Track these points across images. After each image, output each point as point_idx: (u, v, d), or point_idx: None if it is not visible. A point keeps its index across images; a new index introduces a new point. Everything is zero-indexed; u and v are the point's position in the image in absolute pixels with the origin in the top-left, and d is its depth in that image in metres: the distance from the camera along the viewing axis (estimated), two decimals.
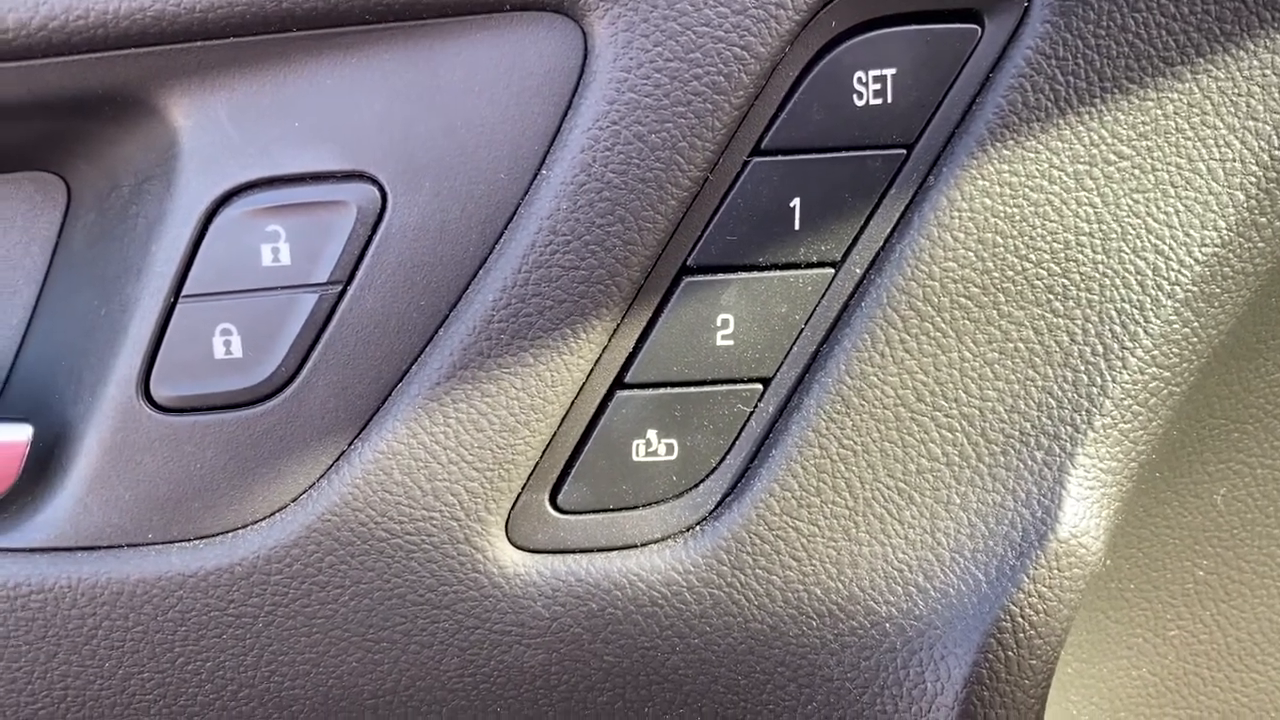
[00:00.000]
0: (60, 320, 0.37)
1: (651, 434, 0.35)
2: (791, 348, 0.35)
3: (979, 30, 0.33)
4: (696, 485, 0.35)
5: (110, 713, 0.36)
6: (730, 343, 0.35)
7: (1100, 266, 0.34)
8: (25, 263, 0.38)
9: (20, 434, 0.34)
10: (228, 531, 0.34)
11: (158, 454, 0.34)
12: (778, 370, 0.35)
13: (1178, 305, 0.35)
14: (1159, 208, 0.34)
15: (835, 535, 0.35)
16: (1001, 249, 0.34)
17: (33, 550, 0.34)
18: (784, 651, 0.35)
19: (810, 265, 0.34)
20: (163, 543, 0.34)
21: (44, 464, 0.35)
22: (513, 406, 0.34)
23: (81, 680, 0.35)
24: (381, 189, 0.33)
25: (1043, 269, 0.34)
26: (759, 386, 0.35)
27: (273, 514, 0.34)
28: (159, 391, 0.34)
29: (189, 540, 0.34)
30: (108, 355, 0.34)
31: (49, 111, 0.34)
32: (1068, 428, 0.35)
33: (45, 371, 0.37)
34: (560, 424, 0.35)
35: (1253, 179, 0.34)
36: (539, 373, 0.34)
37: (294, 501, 0.34)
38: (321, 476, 0.34)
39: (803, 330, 0.35)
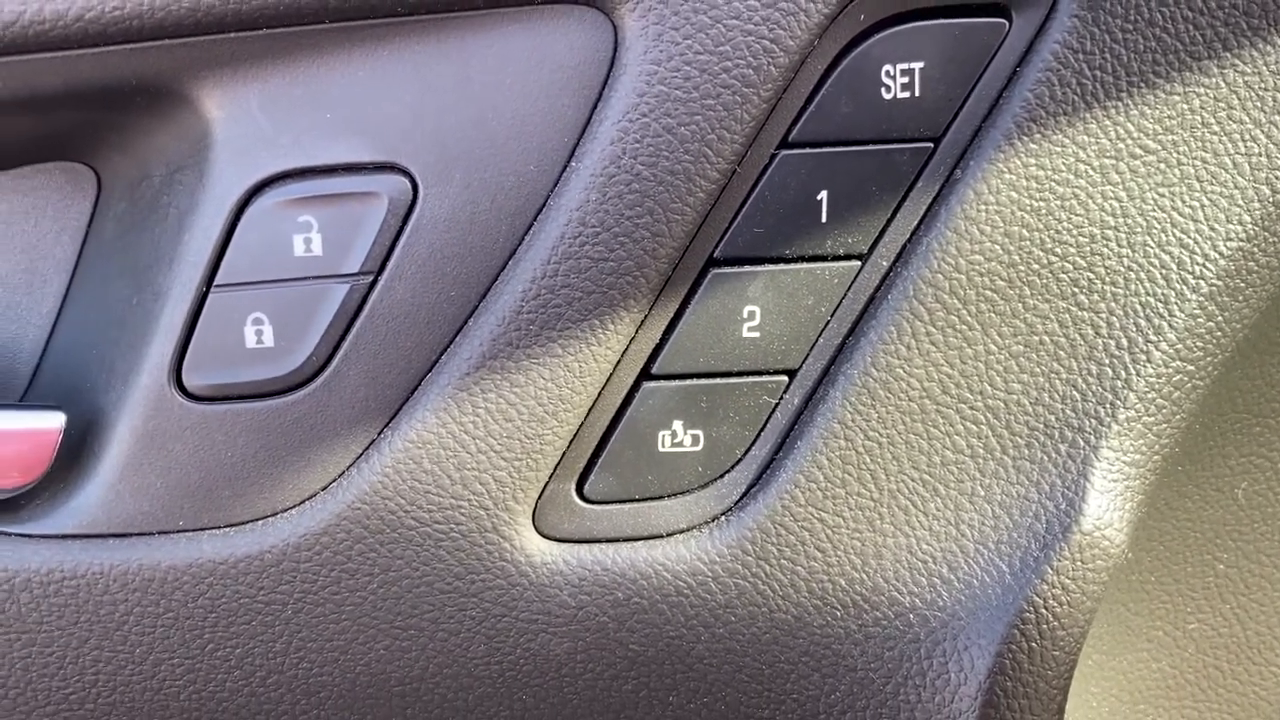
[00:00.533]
0: (91, 309, 0.37)
1: (677, 425, 0.35)
2: (817, 340, 0.35)
3: (1006, 24, 0.33)
4: (722, 476, 0.36)
5: (140, 698, 0.36)
6: (756, 334, 0.35)
7: (1125, 260, 0.35)
8: (56, 252, 0.39)
9: (53, 421, 0.34)
10: (258, 519, 0.35)
11: (189, 442, 0.34)
12: (803, 362, 0.35)
13: (1202, 299, 0.35)
14: (1184, 202, 0.34)
15: (860, 526, 0.35)
16: (1027, 242, 0.34)
17: (65, 537, 0.35)
18: (808, 641, 0.36)
19: (837, 258, 0.35)
20: (193, 530, 0.35)
21: (76, 451, 0.35)
22: (541, 397, 0.34)
23: (112, 665, 0.35)
24: (413, 180, 0.33)
25: (1068, 263, 0.35)
26: (784, 378, 0.35)
27: (303, 502, 0.35)
28: (191, 380, 0.34)
29: (219, 528, 0.35)
30: (140, 344, 0.34)
31: (82, 102, 0.34)
32: (1092, 420, 0.35)
33: (77, 360, 0.37)
34: (587, 414, 0.35)
35: (1278, 174, 0.34)
36: (567, 363, 0.34)
37: (324, 490, 0.35)
38: (351, 465, 0.34)
39: (829, 322, 0.35)
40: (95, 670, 0.36)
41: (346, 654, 0.36)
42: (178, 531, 0.35)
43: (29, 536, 0.35)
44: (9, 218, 0.39)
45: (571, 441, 0.35)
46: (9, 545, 0.35)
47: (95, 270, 0.38)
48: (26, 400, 0.37)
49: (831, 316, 0.35)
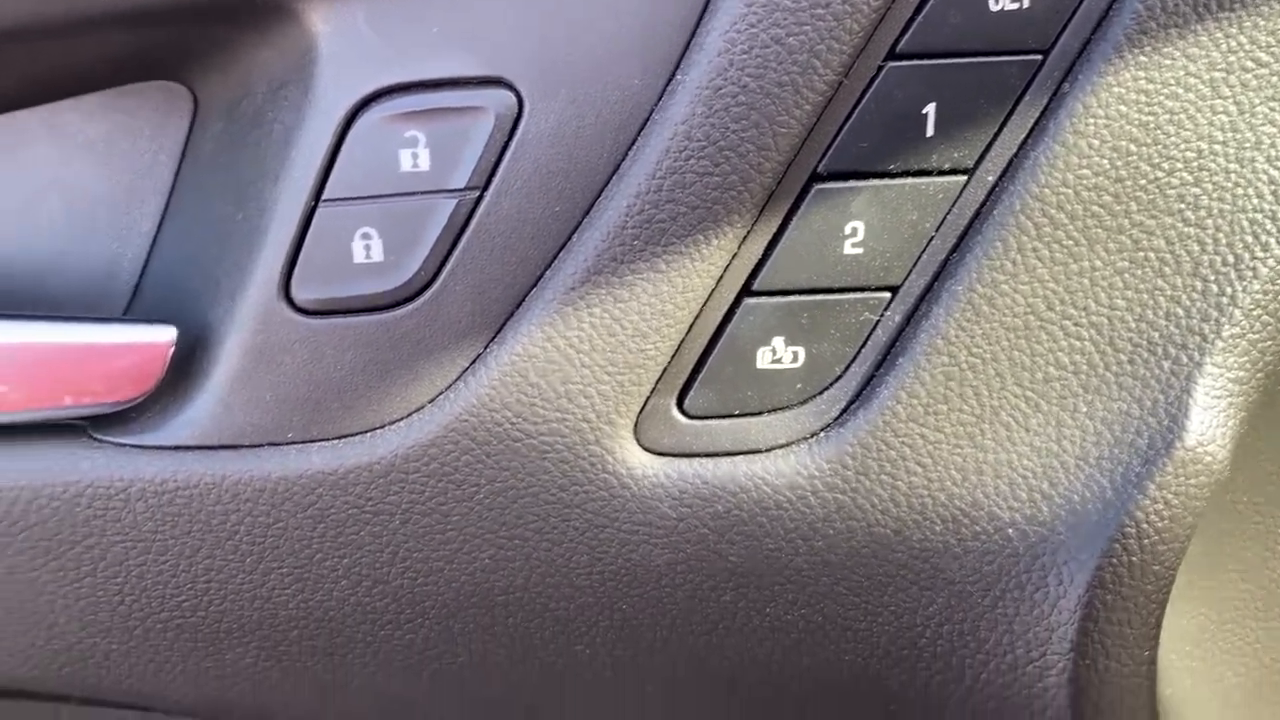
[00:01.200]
0: (192, 226, 0.38)
1: (778, 341, 0.35)
2: (920, 256, 0.35)
3: None
4: (821, 392, 0.36)
5: (250, 606, 0.37)
6: (859, 251, 0.35)
7: (1233, 176, 0.34)
8: (154, 171, 0.39)
9: (165, 335, 0.35)
10: (366, 431, 0.35)
11: (298, 356, 0.35)
12: (906, 278, 0.35)
13: None
14: None
15: (960, 442, 0.35)
16: (1135, 157, 0.34)
17: (178, 448, 0.35)
18: (907, 555, 0.36)
19: (942, 172, 0.34)
20: (303, 442, 0.35)
21: (186, 365, 0.35)
22: (644, 312, 0.34)
23: (224, 574, 0.36)
24: (518, 95, 0.33)
25: (1175, 178, 0.34)
26: (887, 295, 0.35)
27: (410, 415, 0.35)
28: (299, 295, 0.34)
29: (328, 440, 0.35)
30: (246, 260, 0.35)
31: (183, 18, 0.34)
32: (1196, 337, 0.35)
33: (178, 277, 0.38)
34: (689, 330, 0.35)
35: None
36: (670, 278, 0.34)
37: (431, 403, 0.35)
38: (458, 379, 0.35)
39: (933, 238, 0.35)
40: (207, 579, 0.36)
41: (451, 564, 0.36)
42: (287, 443, 0.35)
43: (143, 448, 0.35)
44: (107, 138, 0.39)
45: (673, 357, 0.35)
46: (124, 456, 0.35)
47: (195, 189, 0.38)
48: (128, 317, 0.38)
49: (936, 232, 0.35)
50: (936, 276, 0.35)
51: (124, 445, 0.35)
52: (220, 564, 0.36)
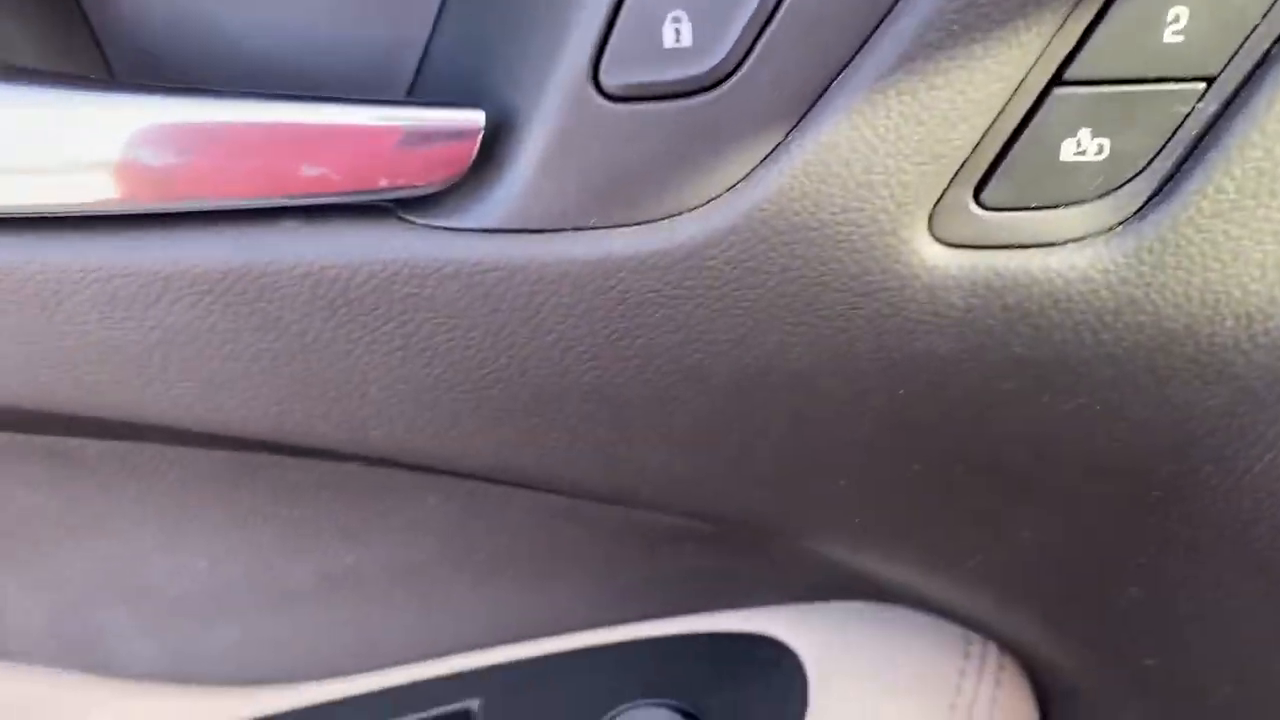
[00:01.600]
0: (479, 11, 0.38)
1: (1084, 133, 0.35)
2: (1243, 44, 0.34)
3: None
4: (1123, 185, 0.36)
5: (547, 380, 0.39)
6: (1179, 39, 0.34)
7: None
8: None
9: (475, 119, 0.36)
10: (666, 217, 0.36)
11: (604, 141, 0.35)
12: (1224, 68, 0.34)
13: None
14: None
15: (1263, 239, 0.35)
16: None
17: (486, 231, 0.37)
18: (1194, 349, 0.36)
19: None
20: (607, 227, 0.36)
21: (490, 149, 0.37)
22: (954, 100, 0.34)
23: (525, 351, 0.39)
24: None
25: None
26: (1202, 85, 0.34)
27: (710, 201, 0.36)
28: (608, 80, 0.35)
29: (630, 225, 0.36)
30: (552, 45, 0.35)
31: None
32: None
33: (464, 62, 0.38)
34: (994, 120, 0.35)
35: None
36: (984, 65, 0.34)
37: (730, 190, 0.36)
38: (759, 165, 0.35)
39: (1258, 25, 0.33)
40: (510, 354, 0.39)
41: (739, 346, 0.38)
42: (590, 228, 0.36)
43: (453, 230, 0.37)
44: None
45: (975, 148, 0.35)
46: (435, 238, 0.37)
47: None
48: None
49: (1262, 19, 0.33)
50: (1258, 66, 0.34)
51: (434, 227, 0.37)
52: (524, 340, 0.38)
